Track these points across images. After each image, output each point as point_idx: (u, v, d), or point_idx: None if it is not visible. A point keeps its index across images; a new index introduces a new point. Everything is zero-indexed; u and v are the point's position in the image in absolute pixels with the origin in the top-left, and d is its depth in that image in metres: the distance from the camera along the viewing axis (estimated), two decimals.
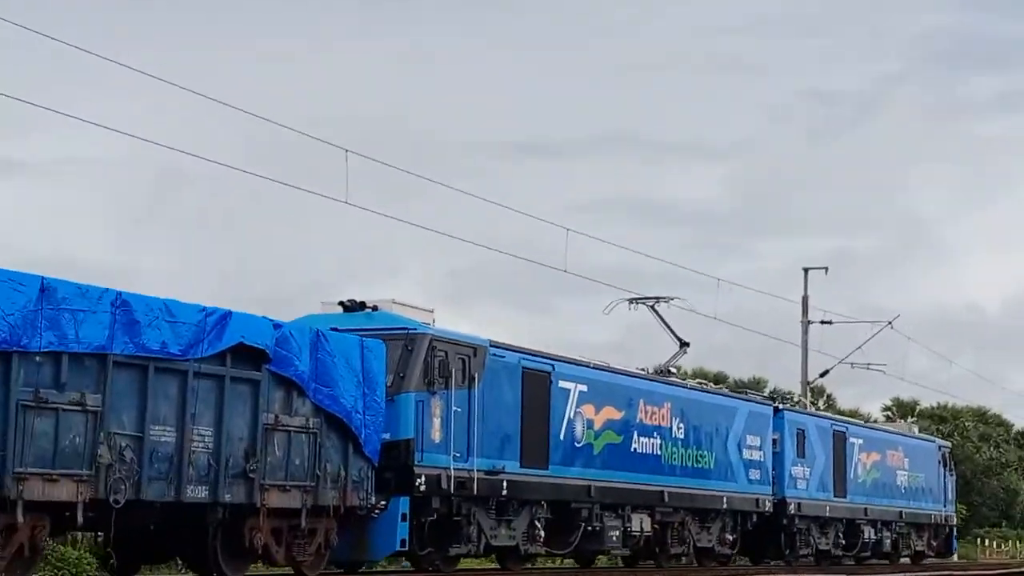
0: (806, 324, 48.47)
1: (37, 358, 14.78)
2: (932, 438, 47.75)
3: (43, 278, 14.89)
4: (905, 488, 40.76)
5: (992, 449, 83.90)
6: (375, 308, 21.63)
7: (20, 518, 14.68)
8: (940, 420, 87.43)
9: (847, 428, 37.61)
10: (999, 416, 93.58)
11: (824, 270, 48.36)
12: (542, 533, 23.72)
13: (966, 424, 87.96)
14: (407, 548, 20.61)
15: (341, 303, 21.81)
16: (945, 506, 44.58)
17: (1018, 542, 66.73)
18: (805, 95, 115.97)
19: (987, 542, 64.58)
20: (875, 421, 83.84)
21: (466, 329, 22.78)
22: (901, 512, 40.30)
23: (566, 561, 29.11)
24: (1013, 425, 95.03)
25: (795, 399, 43.82)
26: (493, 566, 24.38)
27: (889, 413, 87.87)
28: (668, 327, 31.58)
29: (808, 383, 49.47)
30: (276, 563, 18.60)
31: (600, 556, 27.54)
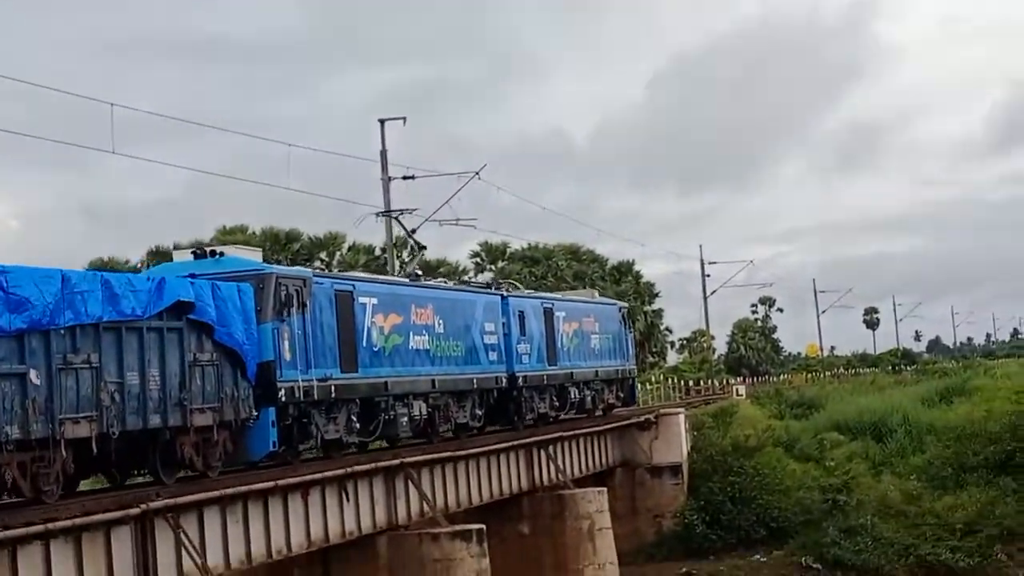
0: (387, 181, 48.97)
1: (62, 332, 21.95)
2: (614, 301, 58.54)
3: (63, 271, 22.02)
4: (598, 350, 50.99)
5: (588, 288, 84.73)
6: (221, 254, 29.17)
7: (63, 452, 21.95)
8: (532, 262, 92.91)
9: (553, 304, 47.37)
10: (593, 252, 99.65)
11: (402, 120, 49.41)
12: (357, 425, 32.08)
13: (559, 263, 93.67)
14: (277, 449, 28.59)
15: (192, 251, 29.27)
16: (627, 361, 55.22)
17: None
18: None
19: None
20: (465, 270, 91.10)
21: None
22: (596, 371, 50.55)
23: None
24: (608, 260, 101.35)
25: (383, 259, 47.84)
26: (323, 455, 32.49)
27: (479, 259, 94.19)
28: (409, 234, 40.11)
29: (394, 243, 51.94)
30: (196, 468, 26.22)
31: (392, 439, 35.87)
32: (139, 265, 79.00)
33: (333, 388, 30.78)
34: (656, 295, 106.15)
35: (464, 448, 35.88)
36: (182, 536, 23.54)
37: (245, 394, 27.38)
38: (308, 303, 30.00)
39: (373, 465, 30.81)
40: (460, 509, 35.67)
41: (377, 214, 39.97)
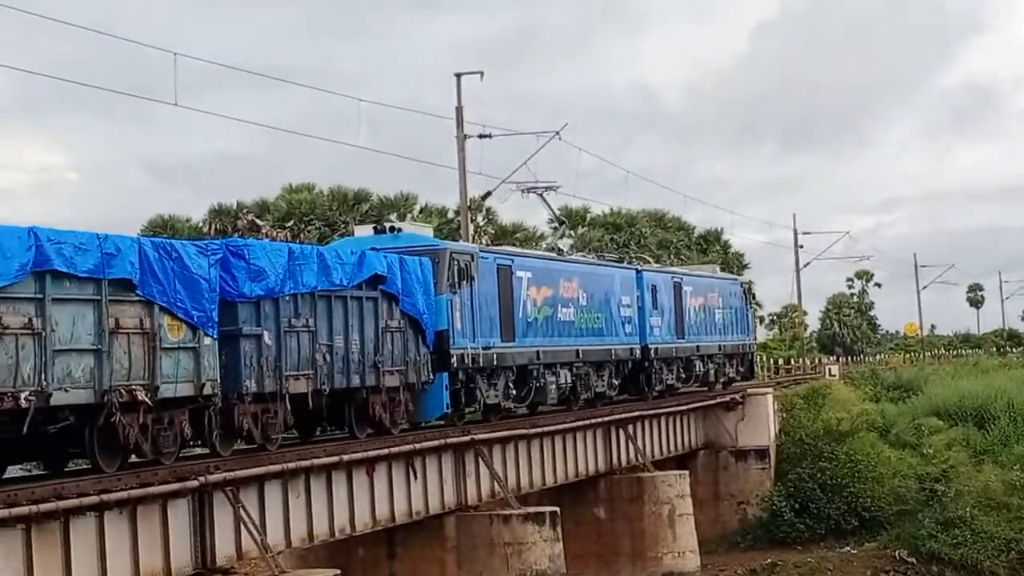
0: (462, 139, 49.26)
1: (287, 298, 26.52)
2: (735, 277, 62.66)
3: (289, 245, 26.56)
4: (721, 325, 55.26)
5: (673, 257, 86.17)
6: (399, 230, 33.71)
7: (287, 405, 26.51)
8: (615, 228, 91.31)
9: (682, 279, 51.62)
10: (679, 219, 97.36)
11: (479, 75, 49.41)
12: (513, 391, 36.50)
13: (643, 230, 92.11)
14: (449, 411, 33.06)
15: (373, 227, 33.87)
16: (748, 336, 59.49)
17: None
18: None
19: None
20: (542, 235, 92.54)
21: None
22: (720, 346, 54.79)
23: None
24: (694, 228, 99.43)
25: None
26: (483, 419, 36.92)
27: (556, 225, 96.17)
28: (551, 209, 44.48)
29: (469, 207, 52.37)
30: (383, 426, 30.66)
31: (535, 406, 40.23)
32: (201, 225, 78.39)
33: (495, 356, 35.21)
34: (745, 266, 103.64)
35: (538, 426, 36.17)
36: (241, 512, 23.62)
37: (425, 359, 31.87)
38: (475, 276, 34.41)
39: (442, 441, 31.07)
40: (533, 490, 35.90)
41: (524, 190, 44.02)
